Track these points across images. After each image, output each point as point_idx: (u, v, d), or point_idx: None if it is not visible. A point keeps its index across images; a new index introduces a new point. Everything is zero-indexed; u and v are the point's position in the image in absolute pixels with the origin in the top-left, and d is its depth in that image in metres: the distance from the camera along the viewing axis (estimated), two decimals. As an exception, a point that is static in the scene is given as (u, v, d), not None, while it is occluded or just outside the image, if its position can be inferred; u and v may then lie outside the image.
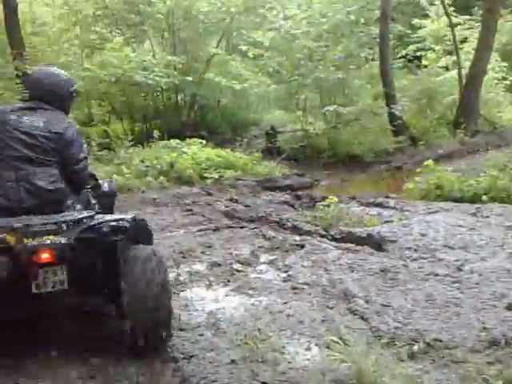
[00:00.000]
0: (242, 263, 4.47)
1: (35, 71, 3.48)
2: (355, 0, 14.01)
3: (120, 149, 9.55)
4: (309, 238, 4.97)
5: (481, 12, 17.37)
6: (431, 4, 18.71)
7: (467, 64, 15.99)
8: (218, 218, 5.96)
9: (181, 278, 4.06)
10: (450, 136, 14.16)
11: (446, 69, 17.73)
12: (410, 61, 18.68)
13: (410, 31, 18.15)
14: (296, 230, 5.35)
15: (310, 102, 15.30)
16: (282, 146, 14.00)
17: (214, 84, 14.85)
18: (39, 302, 2.82)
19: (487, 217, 5.11)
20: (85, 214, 2.99)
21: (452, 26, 16.34)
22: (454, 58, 18.02)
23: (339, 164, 12.14)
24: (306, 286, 3.85)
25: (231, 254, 4.72)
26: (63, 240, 2.72)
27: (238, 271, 4.28)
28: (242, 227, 5.50)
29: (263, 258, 4.60)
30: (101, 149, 9.52)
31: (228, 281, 4.01)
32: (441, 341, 2.85)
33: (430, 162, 6.68)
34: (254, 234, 5.25)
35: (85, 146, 3.26)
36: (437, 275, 3.72)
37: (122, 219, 2.96)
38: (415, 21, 18.76)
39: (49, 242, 2.68)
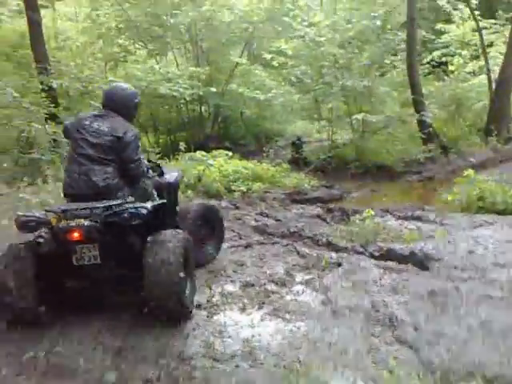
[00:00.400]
0: (276, 283, 4.24)
1: (110, 85, 4.40)
2: (380, 5, 13.75)
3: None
4: (345, 255, 4.72)
5: (506, 16, 17.05)
6: (455, 9, 18.39)
7: (495, 69, 15.61)
8: (249, 233, 5.74)
9: (214, 300, 3.84)
10: (482, 143, 13.77)
11: (473, 74, 17.37)
12: (434, 67, 18.34)
13: (433, 37, 17.82)
14: (331, 246, 5.09)
15: (336, 111, 15.05)
16: (309, 156, 13.77)
17: (238, 95, 14.73)
18: (82, 272, 3.54)
19: (539, 232, 4.79)
20: (116, 202, 3.57)
21: (479, 30, 15.98)
22: (481, 63, 17.64)
23: (368, 174, 11.83)
24: (346, 310, 3.60)
25: (264, 272, 4.49)
26: (88, 222, 3.38)
27: (273, 292, 4.04)
28: (274, 243, 5.27)
29: (298, 277, 4.36)
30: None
31: (263, 303, 3.78)
32: (503, 376, 2.58)
33: (470, 171, 6.35)
34: (287, 251, 5.01)
35: (139, 148, 3.91)
36: (491, 298, 3.43)
37: (142, 207, 3.54)
38: (439, 26, 18.44)
39: (74, 223, 3.37)
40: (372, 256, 4.68)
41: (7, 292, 3.38)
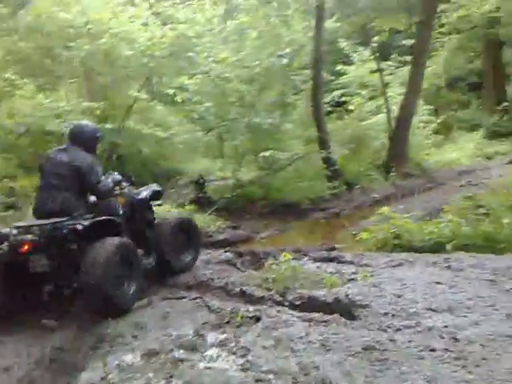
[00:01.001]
0: (185, 348, 3.64)
1: (74, 124, 5.29)
2: (287, 44, 13.88)
3: (28, 208, 8.41)
4: (264, 307, 4.21)
5: (400, 59, 18.09)
6: (354, 51, 19.20)
7: (392, 108, 16.33)
8: (149, 287, 5.07)
9: (110, 377, 3.16)
10: (382, 179, 14.13)
11: (371, 113, 18.07)
12: (334, 106, 18.89)
13: (333, 77, 18.38)
14: (246, 297, 4.57)
15: (241, 149, 14.80)
16: (213, 196, 13.27)
17: (135, 132, 14.02)
18: (40, 278, 4.46)
19: (461, 270, 4.59)
20: (60, 220, 4.45)
21: (380, 70, 16.72)
22: (379, 102, 18.45)
23: (275, 213, 11.52)
24: (271, 376, 3.10)
25: (170, 335, 3.87)
26: (31, 237, 4.31)
27: (182, 361, 3.45)
28: (179, 298, 4.65)
29: (211, 337, 3.79)
30: (4, 208, 8.35)
31: (171, 376, 3.19)
32: None
33: (384, 208, 6.18)
34: (195, 306, 4.41)
35: (99, 173, 4.85)
36: (433, 350, 3.07)
37: (79, 223, 4.42)
38: (339, 67, 19.13)
39: (24, 238, 4.32)
40: (293, 306, 4.21)
41: None
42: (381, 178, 14.22)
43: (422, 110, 17.66)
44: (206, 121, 15.15)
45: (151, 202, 5.62)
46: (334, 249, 7.26)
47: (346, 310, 3.98)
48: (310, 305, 4.17)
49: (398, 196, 12.94)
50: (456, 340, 3.19)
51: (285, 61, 13.55)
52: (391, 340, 3.27)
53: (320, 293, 4.33)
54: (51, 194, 4.68)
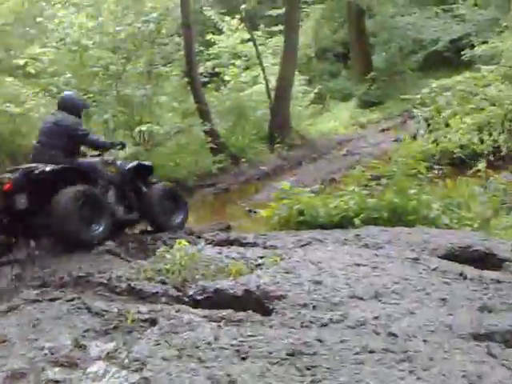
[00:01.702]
0: (62, 365, 2.92)
1: (61, 94, 7.28)
2: (152, 9, 12.98)
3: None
4: (159, 306, 3.58)
5: (268, 29, 18.01)
6: (222, 20, 18.80)
7: (269, 78, 16.19)
8: (10, 287, 4.22)
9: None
10: (268, 151, 13.97)
11: (248, 84, 17.83)
12: (208, 77, 18.38)
13: (202, 48, 17.80)
14: (136, 294, 3.91)
15: (111, 124, 13.70)
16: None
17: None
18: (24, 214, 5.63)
19: (379, 247, 4.30)
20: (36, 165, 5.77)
21: (254, 40, 16.43)
22: (254, 72, 18.26)
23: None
24: (177, 398, 2.51)
25: (41, 349, 3.10)
26: (11, 176, 5.62)
27: (58, 382, 2.74)
28: (52, 299, 3.86)
29: (95, 349, 3.09)
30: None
31: (43, 409, 2.47)
32: None
33: (285, 183, 5.78)
34: (73, 309, 3.65)
35: (81, 127, 6.42)
36: (371, 352, 2.66)
37: (44, 168, 5.68)
38: (209, 37, 18.60)
39: (4, 176, 5.66)
40: (195, 303, 3.64)
41: None
42: (266, 149, 14.04)
43: (298, 80, 17.75)
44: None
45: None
46: (229, 227, 6.83)
47: (259, 303, 3.49)
48: (215, 300, 3.62)
49: (285, 168, 12.83)
50: (394, 336, 2.81)
51: (152, 26, 12.70)
52: (320, 340, 2.81)
53: (226, 284, 3.80)
54: (42, 151, 5.98)
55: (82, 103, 6.84)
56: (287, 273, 3.83)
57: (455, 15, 22.55)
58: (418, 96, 8.04)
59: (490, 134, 8.02)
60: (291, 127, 14.98)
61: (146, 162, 7.47)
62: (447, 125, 7.99)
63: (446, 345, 2.69)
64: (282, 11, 22.77)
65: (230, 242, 5.20)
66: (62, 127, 6.11)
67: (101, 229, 5.80)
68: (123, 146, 7.19)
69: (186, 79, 13.62)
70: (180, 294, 3.80)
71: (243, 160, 12.49)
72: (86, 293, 4.01)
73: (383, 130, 17.57)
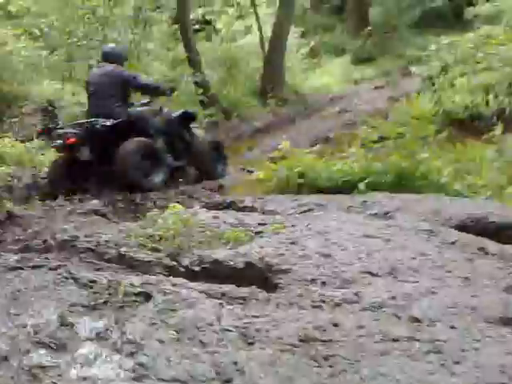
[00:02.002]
0: (47, 346, 2.64)
1: (103, 46, 7.83)
2: None
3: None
4: (154, 277, 3.31)
5: None
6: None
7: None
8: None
9: None
10: (260, 106, 13.59)
11: (240, 34, 17.29)
12: (199, 25, 17.78)
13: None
14: (126, 262, 3.62)
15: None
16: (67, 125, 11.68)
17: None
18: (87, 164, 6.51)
19: (390, 217, 4.04)
20: (96, 120, 6.59)
21: (248, -12, 15.78)
22: (247, 22, 17.66)
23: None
24: (178, 388, 2.26)
25: (24, 327, 2.82)
26: (76, 130, 6.37)
27: (44, 368, 2.46)
28: (34, 266, 3.56)
29: (84, 327, 2.80)
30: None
31: (27, 401, 2.21)
32: None
33: (285, 143, 5.45)
34: (58, 279, 3.36)
35: (132, 73, 7.23)
36: (396, 340, 2.42)
37: (105, 122, 6.47)
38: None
39: (69, 132, 6.43)
40: (192, 274, 3.37)
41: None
42: (258, 104, 13.66)
43: (293, 33, 17.25)
44: (50, 38, 13.17)
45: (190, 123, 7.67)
46: (221, 187, 6.57)
47: (262, 277, 3.23)
48: (214, 272, 3.36)
49: (278, 124, 12.48)
50: (416, 321, 2.58)
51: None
52: (335, 325, 2.57)
53: (225, 253, 3.53)
54: (98, 102, 6.61)
55: (125, 55, 7.59)
56: (292, 243, 3.56)
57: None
58: (425, 53, 7.63)
59: (496, 96, 7.72)
60: (285, 81, 14.55)
61: (190, 110, 8.38)
62: (453, 84, 7.65)
63: (474, 331, 2.45)
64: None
65: (225, 206, 4.91)
66: (115, 77, 6.78)
67: (159, 178, 6.71)
68: (173, 90, 8.00)
69: (176, 26, 13.03)
70: (175, 264, 3.52)
71: (235, 114, 12.08)
72: (72, 259, 3.72)
73: (377, 88, 17.19)
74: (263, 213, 4.64)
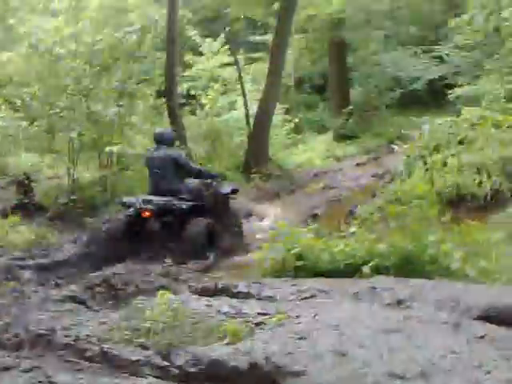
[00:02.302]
0: None
1: (156, 130, 8.66)
2: (137, 18, 12.32)
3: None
4: (142, 381, 2.86)
5: (247, 55, 17.71)
6: (204, 41, 18.44)
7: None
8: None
9: None
10: (244, 181, 13.37)
11: (223, 109, 17.39)
12: (184, 99, 17.86)
13: (180, 68, 17.35)
14: (111, 361, 3.17)
15: (78, 143, 12.81)
16: (43, 200, 11.22)
17: None
18: (153, 234, 7.14)
19: (406, 306, 3.68)
20: (169, 199, 7.31)
21: (238, 64, 15.99)
22: (232, 98, 17.81)
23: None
24: None
25: None
26: (151, 207, 7.05)
27: None
28: (6, 368, 3.08)
29: None
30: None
31: None
32: None
33: (281, 222, 5.13)
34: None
35: (187, 159, 8.30)
36: None
37: (181, 204, 7.27)
38: (189, 57, 18.18)
39: (147, 207, 7.11)
40: (186, 377, 2.93)
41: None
42: (242, 179, 13.44)
43: (276, 110, 17.40)
44: (31, 108, 12.89)
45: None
46: (209, 268, 6.19)
47: (268, 380, 2.81)
48: (212, 374, 2.93)
49: (263, 200, 12.23)
50: None
51: (134, 37, 12.00)
52: None
53: (223, 351, 3.09)
54: (160, 181, 7.48)
55: (172, 137, 8.36)
56: (300, 338, 3.15)
57: (435, 56, 22.79)
58: (419, 132, 7.55)
59: (489, 176, 7.60)
60: (269, 157, 14.47)
61: (234, 185, 8.88)
62: (445, 164, 7.52)
63: None
64: (263, 38, 22.65)
65: (218, 291, 4.49)
66: (174, 159, 7.63)
67: (215, 258, 7.08)
68: (222, 178, 8.82)
69: (162, 100, 12.94)
70: (166, 364, 3.07)
71: (219, 189, 11.82)
72: (48, 358, 3.24)
73: (359, 164, 17.24)
74: (259, 299, 4.23)
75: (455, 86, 21.71)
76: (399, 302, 3.72)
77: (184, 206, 7.24)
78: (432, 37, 27.43)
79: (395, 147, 14.81)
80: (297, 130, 18.80)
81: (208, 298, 4.22)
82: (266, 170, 13.87)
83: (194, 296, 4.29)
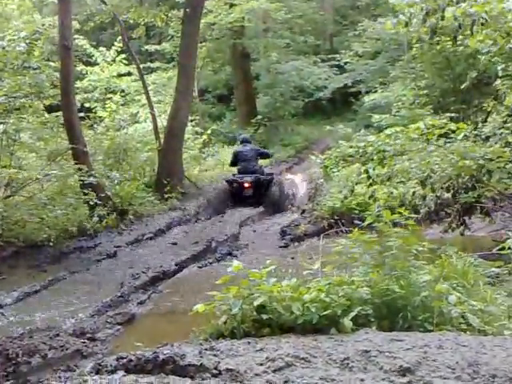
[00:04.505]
0: None
1: (240, 135, 16.45)
2: (23, 26, 10.81)
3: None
4: None
5: (143, 65, 16.68)
6: (97, 51, 17.16)
7: (149, 116, 14.62)
8: None
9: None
10: (157, 202, 12.14)
11: (127, 123, 16.16)
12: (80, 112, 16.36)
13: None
14: None
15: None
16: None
17: None
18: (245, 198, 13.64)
19: (415, 377, 2.80)
20: (259, 175, 13.80)
21: (141, 75, 14.82)
22: (132, 109, 16.60)
23: (21, 259, 8.42)
24: None
25: None
26: (250, 179, 13.47)
27: None
28: None
29: None
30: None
31: None
32: None
33: (235, 262, 4.07)
34: None
35: (260, 148, 15.94)
36: None
37: (266, 178, 14.07)
38: (81, 68, 16.79)
39: (247, 180, 13.61)
40: None
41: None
42: (154, 198, 12.20)
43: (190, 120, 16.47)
44: None
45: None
46: (133, 318, 4.99)
47: None
48: None
49: (182, 222, 11.13)
50: None
51: (22, 46, 10.47)
52: None
53: None
54: (248, 164, 13.56)
55: (251, 139, 15.67)
56: None
57: (337, 65, 22.83)
58: (362, 144, 6.82)
59: (433, 190, 7.07)
60: (183, 173, 13.37)
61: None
62: (389, 178, 6.88)
63: None
64: (161, 47, 21.47)
65: (159, 365, 3.35)
66: (255, 151, 14.10)
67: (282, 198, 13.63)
68: (272, 155, 17.12)
69: (54, 114, 11.44)
70: None
71: (131, 213, 10.51)
72: None
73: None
74: (218, 374, 3.18)
75: (359, 94, 21.90)
76: (404, 371, 2.84)
77: (268, 179, 13.70)
78: (327, 46, 27.76)
79: (313, 157, 14.32)
80: (204, 142, 17.87)
81: (147, 377, 3.10)
82: (182, 188, 12.82)
83: (126, 376, 3.13)
